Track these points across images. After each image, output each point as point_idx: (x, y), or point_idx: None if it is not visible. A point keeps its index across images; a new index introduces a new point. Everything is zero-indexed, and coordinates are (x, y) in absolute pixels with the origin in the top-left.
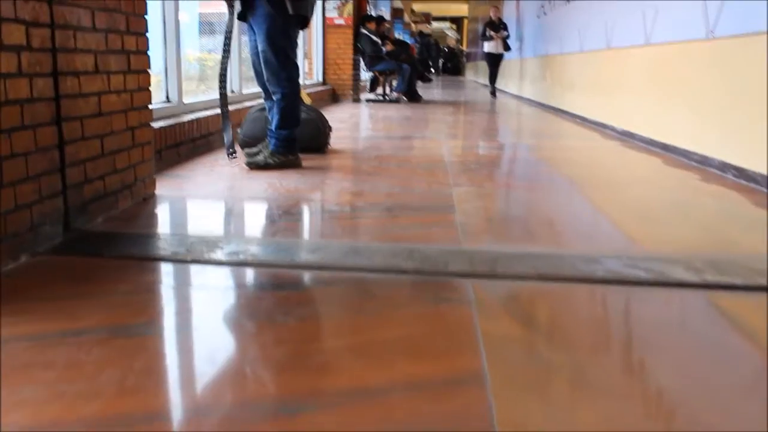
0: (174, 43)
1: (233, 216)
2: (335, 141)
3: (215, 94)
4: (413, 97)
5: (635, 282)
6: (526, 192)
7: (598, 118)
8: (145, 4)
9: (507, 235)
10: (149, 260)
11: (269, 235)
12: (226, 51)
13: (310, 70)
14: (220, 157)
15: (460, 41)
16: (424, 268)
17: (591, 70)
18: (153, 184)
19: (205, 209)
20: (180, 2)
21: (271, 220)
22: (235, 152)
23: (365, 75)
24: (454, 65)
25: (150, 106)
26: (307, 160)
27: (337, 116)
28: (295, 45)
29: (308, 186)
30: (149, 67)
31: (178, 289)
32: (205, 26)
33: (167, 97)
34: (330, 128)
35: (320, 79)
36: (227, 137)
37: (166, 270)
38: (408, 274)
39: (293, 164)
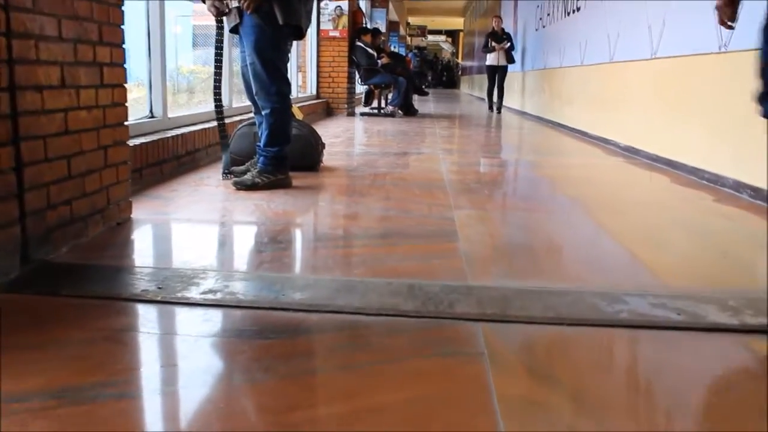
0: (159, 55)
1: (215, 244)
2: (328, 157)
3: (206, 107)
4: (409, 110)
5: (667, 326)
6: (532, 215)
7: (600, 133)
8: (122, 13)
9: (516, 267)
10: (114, 300)
11: (253, 268)
12: (218, 67)
13: (303, 82)
14: (206, 176)
15: (455, 54)
16: (427, 309)
17: (593, 84)
18: (129, 208)
19: (185, 235)
20: (174, 15)
21: (256, 249)
22: (230, 173)
23: (360, 88)
24: (449, 78)
25: (126, 123)
26: (298, 179)
27: (330, 131)
28: (285, 57)
29: (298, 208)
30: (125, 81)
31: (142, 340)
32: (200, 38)
33: (151, 112)
34: (323, 145)
35: (314, 92)
36: (225, 157)
37: (132, 312)
38: (408, 317)
39: (283, 184)
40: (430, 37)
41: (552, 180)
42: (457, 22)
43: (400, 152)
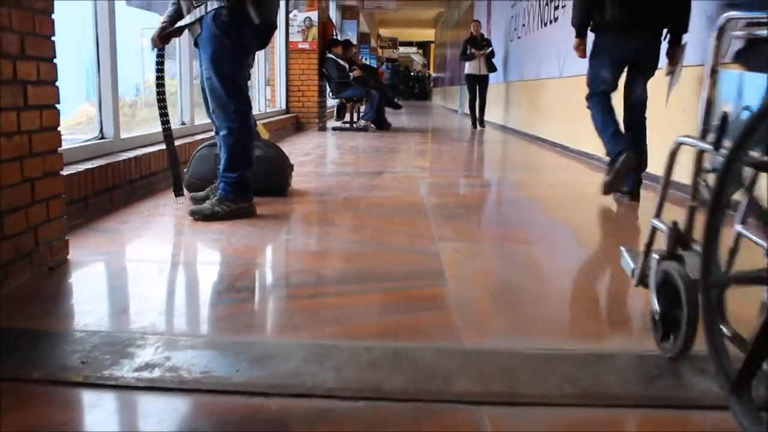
0: (109, 70)
1: (161, 294)
2: (298, 179)
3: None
4: (382, 124)
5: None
6: (527, 248)
7: (582, 147)
8: (51, 22)
9: (519, 320)
10: (18, 383)
11: (203, 329)
12: (160, 83)
13: (272, 97)
14: (161, 203)
15: (426, 66)
16: (417, 389)
17: (573, 96)
18: (65, 248)
19: (126, 283)
20: (141, 28)
21: (210, 300)
22: (182, 193)
23: (331, 102)
24: (421, 90)
25: (60, 150)
26: (263, 205)
27: (300, 147)
28: (245, 73)
29: (262, 244)
30: (57, 101)
31: None
32: (169, 50)
33: (101, 133)
34: (291, 166)
35: (283, 106)
36: (174, 176)
37: (42, 400)
38: (395, 401)
39: (245, 213)
40: (402, 49)
41: (540, 202)
42: (428, 34)
43: (375, 171)
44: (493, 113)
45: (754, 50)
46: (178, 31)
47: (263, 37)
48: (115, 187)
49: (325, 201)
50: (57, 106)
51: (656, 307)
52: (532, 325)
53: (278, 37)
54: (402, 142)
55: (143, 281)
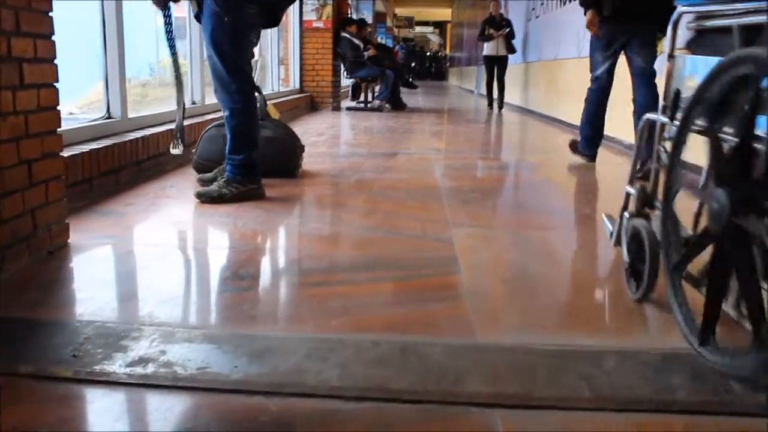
0: (116, 47)
1: (161, 282)
2: (310, 159)
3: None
4: (397, 104)
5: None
6: (543, 235)
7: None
8: None
9: (535, 313)
10: (13, 377)
11: (203, 320)
12: (170, 37)
13: (286, 76)
14: (168, 184)
15: (443, 46)
16: (426, 389)
17: None
18: (65, 232)
19: (127, 269)
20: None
21: (212, 289)
22: (180, 143)
23: (346, 81)
24: (437, 70)
25: (59, 130)
26: (273, 187)
27: (313, 128)
28: (246, 52)
29: (270, 228)
30: (56, 80)
31: None
32: (181, 30)
33: (108, 112)
34: (302, 148)
35: (297, 86)
36: (177, 122)
37: (32, 396)
38: (402, 403)
39: (253, 195)
40: (418, 29)
41: (558, 185)
42: (444, 13)
43: (389, 153)
44: (511, 94)
45: (702, 39)
46: None
47: (268, 15)
48: (121, 168)
49: (337, 183)
50: (56, 84)
51: (626, 258)
52: (549, 318)
53: (292, 16)
54: (417, 122)
55: (145, 267)
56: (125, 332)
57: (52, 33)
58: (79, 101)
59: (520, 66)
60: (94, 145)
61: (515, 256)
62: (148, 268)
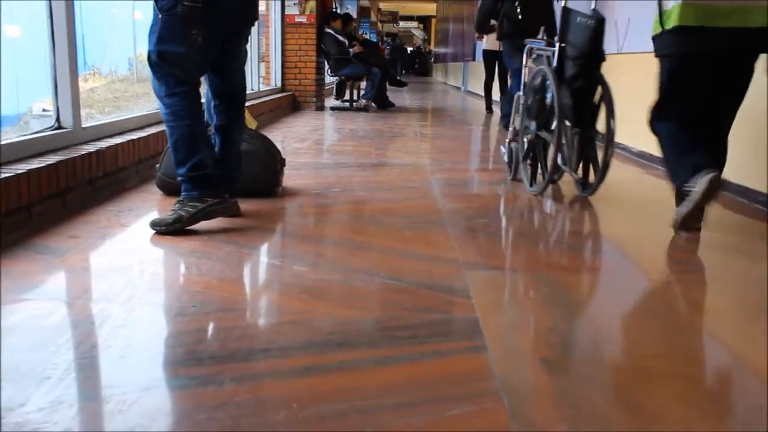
0: (66, 47)
1: (81, 368)
2: (291, 172)
3: (136, 112)
4: (384, 104)
5: None
6: (579, 280)
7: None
8: None
9: (592, 416)
10: None
11: None
12: None
13: (267, 74)
14: (127, 206)
15: (427, 41)
16: None
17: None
18: None
19: (36, 347)
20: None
21: (155, 383)
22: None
23: (330, 79)
24: (421, 65)
25: None
26: (248, 212)
27: (295, 131)
28: (193, 51)
29: (240, 275)
30: None
31: None
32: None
33: (58, 122)
34: (282, 161)
35: (278, 84)
36: None
37: None
38: None
39: (219, 210)
40: (402, 24)
41: (574, 206)
42: (429, 8)
43: (379, 163)
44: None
45: (537, 59)
46: None
47: (219, 10)
48: (69, 190)
49: (322, 205)
50: None
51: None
52: (608, 415)
53: (273, 10)
54: (406, 124)
55: (63, 345)
56: None
57: None
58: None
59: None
60: (36, 164)
61: (552, 317)
62: (67, 346)
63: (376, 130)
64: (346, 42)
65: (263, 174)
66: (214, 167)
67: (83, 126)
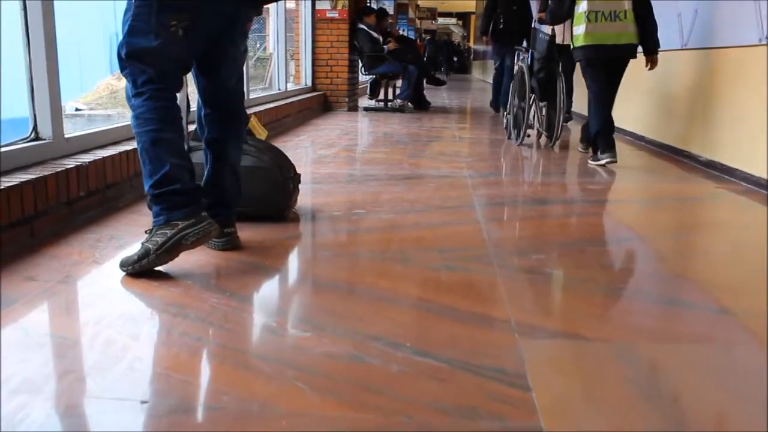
0: (42, 48)
1: None
2: (311, 186)
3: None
4: (420, 104)
5: None
6: (684, 356)
7: (668, 140)
8: None
9: None
10: None
11: None
12: None
13: (297, 73)
14: (108, 234)
15: (466, 38)
16: None
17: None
18: None
19: None
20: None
21: None
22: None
23: (364, 78)
24: (460, 63)
25: None
26: (250, 243)
27: (323, 135)
28: (170, 46)
29: (230, 351)
30: None
31: None
32: None
33: (35, 132)
34: (297, 178)
35: (309, 83)
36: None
37: None
38: None
39: (190, 236)
40: (440, 20)
41: (654, 242)
42: (468, 5)
43: (413, 175)
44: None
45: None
46: None
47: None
48: (39, 215)
49: (341, 234)
50: None
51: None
52: None
53: (303, 5)
54: (444, 126)
55: None
56: None
57: None
58: (86, 96)
59: None
60: (5, 183)
61: (649, 418)
62: None
63: (411, 134)
64: (381, 38)
65: (272, 194)
66: (204, 192)
67: (66, 136)
